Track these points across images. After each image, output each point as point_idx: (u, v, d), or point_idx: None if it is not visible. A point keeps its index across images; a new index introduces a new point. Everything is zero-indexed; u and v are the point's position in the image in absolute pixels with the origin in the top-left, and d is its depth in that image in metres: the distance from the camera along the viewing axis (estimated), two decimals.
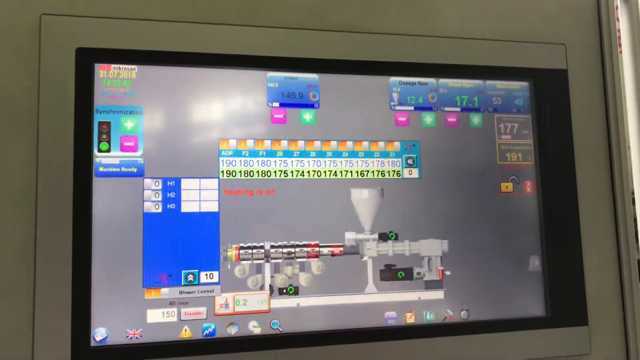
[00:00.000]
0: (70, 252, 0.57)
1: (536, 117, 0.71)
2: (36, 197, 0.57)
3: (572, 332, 0.68)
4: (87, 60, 0.60)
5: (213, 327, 0.60)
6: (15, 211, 0.57)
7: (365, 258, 0.64)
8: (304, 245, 0.63)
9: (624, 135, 0.74)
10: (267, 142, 0.64)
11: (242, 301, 0.61)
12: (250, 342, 0.60)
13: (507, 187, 0.69)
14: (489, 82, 0.71)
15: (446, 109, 0.69)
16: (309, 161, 0.65)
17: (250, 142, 0.64)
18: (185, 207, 0.61)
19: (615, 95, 0.74)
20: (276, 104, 0.65)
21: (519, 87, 0.72)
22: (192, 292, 0.60)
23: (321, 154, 0.65)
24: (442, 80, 0.70)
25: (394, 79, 0.68)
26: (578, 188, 0.71)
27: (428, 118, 0.69)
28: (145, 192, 0.60)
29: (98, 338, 0.57)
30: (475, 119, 0.70)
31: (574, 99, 0.73)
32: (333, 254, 0.63)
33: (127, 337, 0.58)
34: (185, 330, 0.59)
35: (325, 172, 0.65)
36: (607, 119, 0.74)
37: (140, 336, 0.58)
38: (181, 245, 0.60)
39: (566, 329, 0.68)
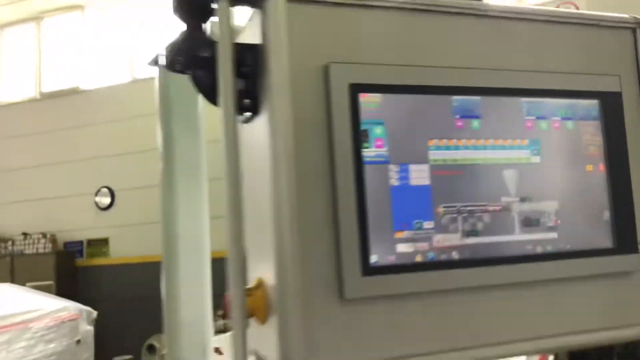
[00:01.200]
0: (355, 212, 0.94)
1: (604, 123, 1.13)
2: (332, 178, 0.93)
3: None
4: (354, 91, 0.96)
5: (432, 255, 0.99)
6: (318, 188, 0.94)
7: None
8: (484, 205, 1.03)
9: None
10: (454, 141, 1.03)
11: (444, 240, 1.00)
12: (455, 263, 0.99)
13: (590, 167, 1.12)
14: (576, 101, 1.13)
15: (553, 118, 1.10)
16: (478, 152, 1.05)
17: (445, 141, 1.02)
18: (413, 182, 0.99)
19: None
20: (457, 116, 1.04)
21: (592, 104, 1.14)
22: (419, 234, 0.98)
23: (485, 147, 1.05)
24: (550, 100, 1.11)
25: (523, 99, 1.09)
26: (631, 167, 1.14)
27: (543, 124, 1.09)
28: (390, 172, 0.98)
29: (372, 261, 0.95)
30: (570, 124, 1.12)
31: (626, 112, 1.16)
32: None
33: (388, 260, 0.96)
34: (418, 256, 0.98)
35: (488, 159, 1.05)
36: None
37: (394, 259, 0.96)
38: (411, 205, 0.98)
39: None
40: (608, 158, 1.12)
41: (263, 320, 0.90)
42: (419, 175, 0.99)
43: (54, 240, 9.17)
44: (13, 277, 8.88)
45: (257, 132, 0.96)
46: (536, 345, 1.01)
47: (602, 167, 1.12)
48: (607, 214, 1.10)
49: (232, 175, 0.88)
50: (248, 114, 0.98)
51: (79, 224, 9.23)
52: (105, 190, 9.20)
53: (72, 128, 9.23)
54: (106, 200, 9.22)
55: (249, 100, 0.96)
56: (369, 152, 0.96)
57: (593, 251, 1.07)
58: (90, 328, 6.26)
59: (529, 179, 1.06)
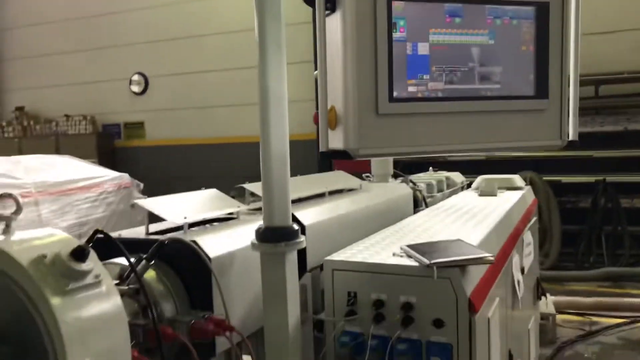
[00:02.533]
0: (387, 67, 1.77)
1: (536, 22, 1.92)
2: (375, 50, 1.75)
3: None
4: (389, 1, 1.76)
5: (427, 93, 1.83)
6: (367, 57, 1.76)
7: None
8: None
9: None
10: (445, 30, 1.83)
11: (435, 85, 1.84)
12: (439, 98, 1.84)
13: (524, 47, 1.93)
14: (520, 7, 1.91)
15: (504, 17, 1.90)
16: (458, 37, 1.85)
17: (439, 29, 1.83)
18: (420, 52, 1.81)
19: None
20: (447, 15, 1.83)
21: (530, 9, 1.92)
22: (421, 82, 1.82)
23: (462, 34, 1.86)
24: (503, 6, 1.89)
25: (487, 6, 1.87)
26: (549, 49, 1.95)
27: (497, 21, 1.89)
28: (407, 47, 1.80)
29: (394, 94, 1.79)
30: (514, 22, 1.92)
31: (551, 15, 1.93)
32: None
33: (403, 95, 1.80)
34: (419, 94, 1.82)
35: (463, 40, 1.86)
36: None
37: (406, 94, 1.80)
38: (418, 65, 1.81)
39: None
40: (536, 43, 1.91)
41: (333, 127, 1.75)
42: (423, 49, 1.81)
43: (93, 122, 10.14)
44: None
45: (334, 22, 1.76)
46: (485, 147, 1.87)
47: (532, 47, 1.92)
48: (531, 76, 1.91)
49: (322, 50, 1.69)
50: (329, 10, 1.77)
51: (115, 107, 10.13)
52: (139, 76, 9.99)
53: (111, 14, 9.80)
54: (140, 86, 10.02)
55: (329, 2, 1.74)
56: (396, 35, 1.76)
57: (521, 96, 1.90)
58: (140, 195, 7.33)
59: (486, 53, 1.87)
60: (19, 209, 1.17)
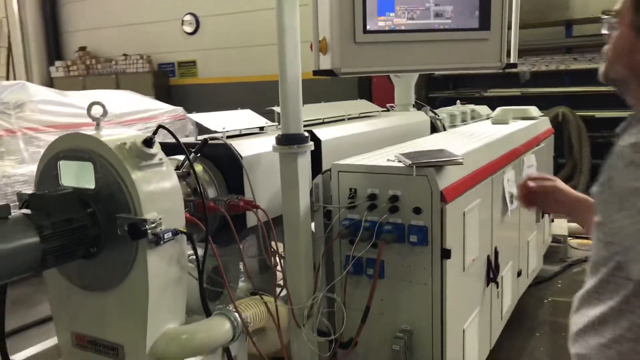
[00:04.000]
0: (362, 7, 2.13)
1: None
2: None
3: None
4: None
5: (393, 26, 2.19)
6: (346, 11, 2.12)
7: None
8: None
9: None
10: None
11: (399, 21, 2.19)
12: (402, 30, 2.20)
13: None
14: None
15: None
16: None
17: None
18: None
19: None
20: None
21: None
22: (388, 17, 2.18)
23: None
24: None
25: None
26: None
27: None
28: None
29: (367, 27, 2.15)
30: None
31: None
32: None
33: (374, 27, 2.16)
34: (386, 27, 2.19)
35: None
36: None
37: (377, 27, 2.17)
38: (386, 5, 2.16)
39: None
40: None
41: (325, 52, 2.15)
42: None
43: (149, 61, 10.75)
44: None
45: None
46: (438, 67, 2.18)
47: None
48: (476, 12, 2.20)
49: None
50: None
51: (169, 47, 10.67)
52: (190, 16, 10.43)
53: None
54: (192, 26, 10.48)
55: None
56: None
57: (468, 29, 2.18)
58: (193, 128, 7.83)
59: None
60: (105, 113, 1.67)
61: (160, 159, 1.63)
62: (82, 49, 11.17)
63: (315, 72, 1.90)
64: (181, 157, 1.91)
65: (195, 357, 1.70)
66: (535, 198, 1.61)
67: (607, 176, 1.00)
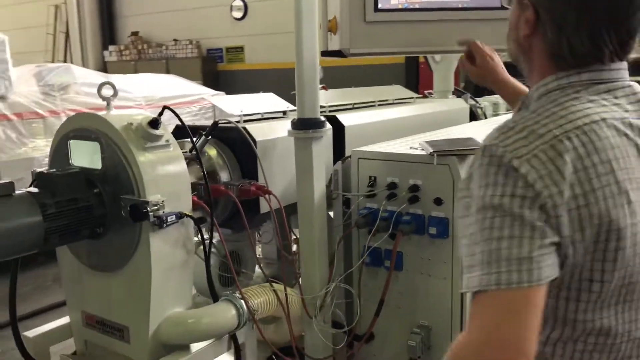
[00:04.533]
0: None
1: None
2: None
3: None
4: None
5: (407, 5, 2.07)
6: None
7: None
8: None
9: None
10: None
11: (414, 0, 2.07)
12: (416, 9, 2.08)
13: None
14: None
15: None
16: None
17: None
18: None
19: None
20: None
21: None
22: None
23: None
24: None
25: None
26: None
27: None
28: None
29: (378, 6, 2.05)
30: None
31: None
32: None
33: (386, 6, 2.05)
34: (399, 6, 2.07)
35: None
36: None
37: (389, 6, 2.06)
38: None
39: None
40: None
41: (335, 32, 2.06)
42: None
43: (198, 46, 10.90)
44: None
45: None
46: (453, 49, 1.98)
47: None
48: None
49: None
50: None
51: (218, 32, 10.77)
52: (239, 1, 10.48)
53: None
54: (240, 12, 10.53)
55: None
56: None
57: (489, 7, 1.95)
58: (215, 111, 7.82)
59: None
60: (115, 93, 1.66)
61: (167, 141, 1.61)
62: (135, 34, 11.44)
63: (324, 53, 1.83)
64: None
65: (201, 342, 1.69)
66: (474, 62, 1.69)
67: (469, 173, 0.91)
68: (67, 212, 1.50)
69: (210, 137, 1.85)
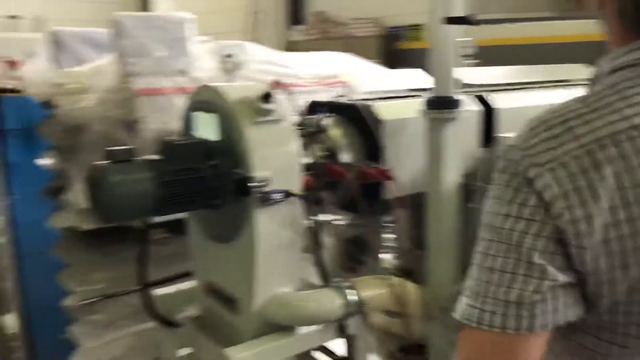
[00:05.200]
0: None
1: None
2: None
3: None
4: None
5: None
6: None
7: None
8: None
9: None
10: None
11: None
12: None
13: None
14: None
15: None
16: None
17: None
18: None
19: None
20: None
21: None
22: None
23: None
24: None
25: None
26: None
27: None
28: None
29: None
30: None
31: None
32: None
33: None
34: None
35: None
36: None
37: None
38: None
39: None
40: None
41: None
42: None
43: (379, 24, 10.87)
44: None
45: None
46: None
47: None
48: None
49: None
50: None
51: (400, 9, 10.62)
52: None
53: None
54: None
55: None
56: None
57: None
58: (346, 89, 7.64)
59: None
60: (237, 65, 1.67)
61: (281, 116, 1.57)
62: (319, 13, 11.84)
63: (449, 20, 1.60)
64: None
65: (305, 326, 1.65)
66: None
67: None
68: (182, 181, 1.54)
69: (327, 114, 1.77)
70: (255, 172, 1.50)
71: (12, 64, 3.51)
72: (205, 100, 1.65)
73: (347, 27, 11.19)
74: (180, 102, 4.45)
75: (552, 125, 0.66)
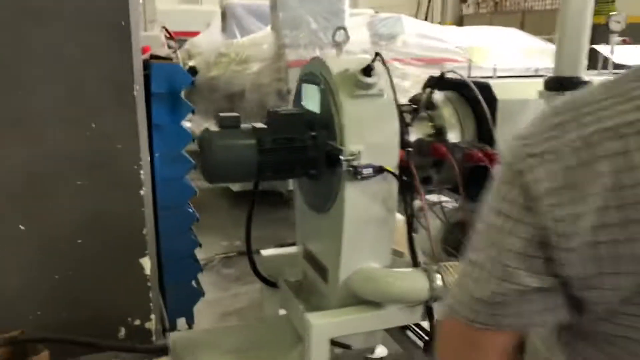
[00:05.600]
0: None
1: None
2: None
3: None
4: None
5: None
6: None
7: None
8: None
9: None
10: None
11: None
12: None
13: None
14: None
15: None
16: None
17: None
18: None
19: None
20: None
21: None
22: None
23: None
24: None
25: None
26: None
27: None
28: None
29: None
30: None
31: None
32: None
33: None
34: None
35: None
36: None
37: None
38: None
39: None
40: None
41: None
42: None
43: None
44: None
45: None
46: None
47: None
48: None
49: None
50: None
51: None
52: None
53: None
54: None
55: None
56: None
57: None
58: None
59: None
60: (347, 38, 1.68)
61: (381, 90, 1.56)
62: None
63: None
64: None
65: (390, 303, 1.65)
66: None
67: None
68: (282, 150, 1.62)
69: (434, 90, 1.71)
70: (349, 145, 1.52)
71: (170, 35, 3.88)
72: (312, 72, 1.70)
73: (525, 1, 10.43)
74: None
75: (561, 112, 0.58)
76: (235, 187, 4.35)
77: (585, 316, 0.59)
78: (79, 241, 2.22)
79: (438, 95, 1.73)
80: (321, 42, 4.56)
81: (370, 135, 1.55)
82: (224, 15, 5.77)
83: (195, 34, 6.49)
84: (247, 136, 1.61)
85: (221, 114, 1.62)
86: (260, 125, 1.67)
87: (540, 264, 0.57)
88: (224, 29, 5.69)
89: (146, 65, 2.33)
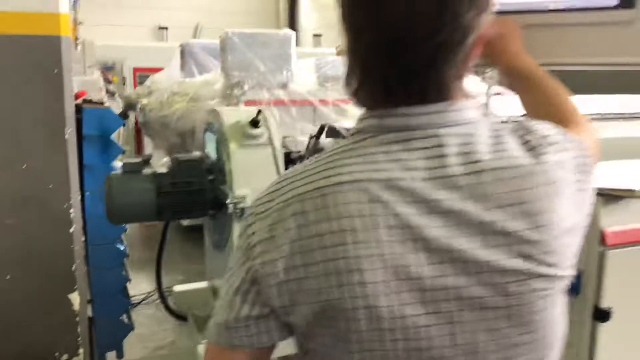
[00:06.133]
0: None
1: None
2: None
3: None
4: None
5: None
6: None
7: None
8: None
9: None
10: None
11: None
12: None
13: None
14: None
15: None
16: None
17: None
18: None
19: None
20: None
21: None
22: None
23: None
24: None
25: None
26: None
27: None
28: None
29: None
30: None
31: None
32: None
33: None
34: None
35: None
36: None
37: None
38: None
39: None
40: None
41: None
42: None
43: None
44: None
45: None
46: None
47: None
48: None
49: None
50: None
51: None
52: None
53: None
54: None
55: None
56: None
57: (606, 7, 1.38)
58: None
59: None
60: (244, 92, 1.87)
61: (268, 140, 1.74)
62: None
63: None
64: None
65: None
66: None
67: None
68: (181, 193, 1.79)
69: (318, 140, 1.90)
70: (236, 190, 1.69)
71: (108, 80, 4.07)
72: (211, 122, 1.88)
73: None
74: (277, 114, 4.78)
75: (281, 180, 0.77)
76: (185, 221, 4.49)
77: (296, 336, 0.77)
78: (8, 277, 2.34)
79: (328, 141, 1.92)
80: (269, 83, 4.78)
81: (256, 180, 1.73)
82: (182, 54, 6.00)
83: (161, 69, 6.70)
84: (147, 181, 1.78)
85: (124, 160, 1.79)
86: (162, 170, 1.84)
87: (254, 296, 0.75)
88: (183, 66, 5.92)
89: (79, 109, 2.49)
